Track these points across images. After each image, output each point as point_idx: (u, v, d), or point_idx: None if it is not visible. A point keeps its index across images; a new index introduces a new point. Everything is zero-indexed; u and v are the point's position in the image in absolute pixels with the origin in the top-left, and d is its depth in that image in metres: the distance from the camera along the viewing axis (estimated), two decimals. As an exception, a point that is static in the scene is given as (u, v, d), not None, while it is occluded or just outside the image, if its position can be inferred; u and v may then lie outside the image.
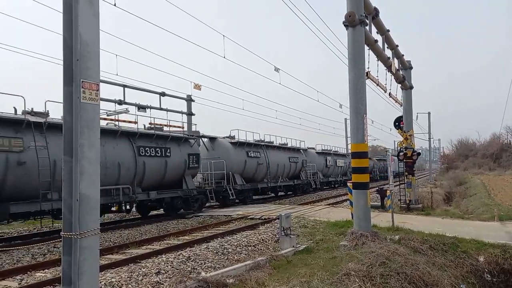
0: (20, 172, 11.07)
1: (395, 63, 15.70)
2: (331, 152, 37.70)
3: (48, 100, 12.30)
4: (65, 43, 4.13)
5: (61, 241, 4.21)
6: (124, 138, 14.78)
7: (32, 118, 11.54)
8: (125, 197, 14.41)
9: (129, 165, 14.62)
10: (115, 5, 11.17)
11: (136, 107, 17.80)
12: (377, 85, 13.06)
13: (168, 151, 16.50)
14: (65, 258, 4.11)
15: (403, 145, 17.67)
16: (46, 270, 8.21)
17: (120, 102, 17.12)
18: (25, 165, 11.12)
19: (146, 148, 15.42)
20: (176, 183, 17.33)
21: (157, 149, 15.89)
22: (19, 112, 11.68)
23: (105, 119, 15.37)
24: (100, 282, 6.42)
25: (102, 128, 12.75)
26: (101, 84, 4.39)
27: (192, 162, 17.80)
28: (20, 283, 7.35)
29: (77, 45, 4.05)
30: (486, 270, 8.72)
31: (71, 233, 4.06)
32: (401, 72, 17.09)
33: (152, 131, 16.36)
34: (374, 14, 11.89)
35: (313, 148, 34.53)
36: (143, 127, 16.84)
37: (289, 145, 28.74)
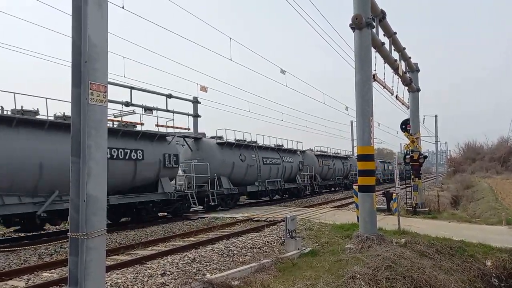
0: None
1: (402, 65, 15.64)
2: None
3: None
4: (74, 44, 4.16)
5: (67, 241, 4.24)
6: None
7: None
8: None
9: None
10: (123, 7, 11.28)
11: (143, 109, 17.91)
12: (384, 87, 13.02)
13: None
14: (72, 259, 4.14)
15: (410, 148, 17.58)
16: (53, 270, 8.26)
17: (127, 104, 17.25)
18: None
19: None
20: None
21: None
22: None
23: (112, 120, 15.48)
24: (106, 283, 6.46)
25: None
26: (108, 85, 4.42)
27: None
28: (27, 283, 7.40)
29: (85, 47, 4.08)
30: (494, 275, 8.63)
31: (78, 234, 4.09)
32: (408, 75, 17.02)
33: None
34: (381, 17, 11.87)
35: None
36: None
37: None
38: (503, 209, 18.17)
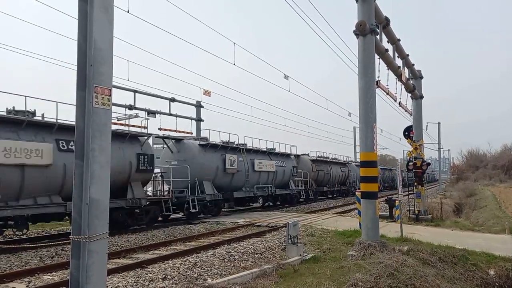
0: None
1: (406, 72, 15.64)
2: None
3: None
4: (79, 48, 4.19)
5: (69, 244, 4.23)
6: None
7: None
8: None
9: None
10: (128, 11, 11.35)
11: (146, 112, 17.98)
12: (387, 94, 13.01)
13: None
14: (73, 261, 4.14)
15: (413, 155, 17.53)
16: (54, 273, 8.25)
17: (131, 107, 17.32)
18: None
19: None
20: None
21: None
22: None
23: (115, 123, 15.52)
24: (107, 286, 6.43)
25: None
26: (112, 89, 4.44)
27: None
28: (28, 285, 7.40)
29: (91, 51, 4.11)
30: (497, 284, 8.55)
31: (80, 237, 4.09)
32: (411, 82, 17.01)
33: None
34: (385, 23, 11.90)
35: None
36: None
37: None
38: (507, 218, 18.04)
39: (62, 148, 12.03)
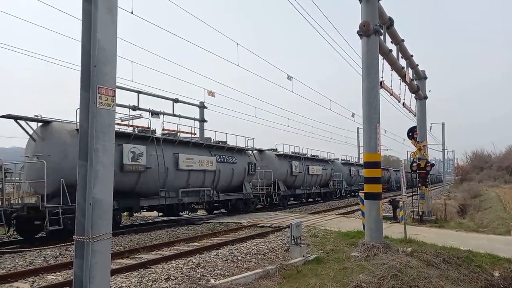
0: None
1: (410, 73, 15.57)
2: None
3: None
4: (83, 48, 4.21)
5: (73, 244, 4.25)
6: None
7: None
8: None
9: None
10: (132, 12, 11.39)
11: (150, 113, 18.01)
12: (391, 94, 12.97)
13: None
14: (77, 261, 4.15)
15: (417, 155, 17.46)
16: (58, 273, 8.29)
17: (134, 108, 17.35)
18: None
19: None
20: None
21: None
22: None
23: (118, 124, 15.55)
24: (111, 286, 6.45)
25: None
26: (116, 89, 4.45)
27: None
28: (32, 285, 7.43)
29: (95, 51, 4.12)
30: (502, 286, 8.48)
31: (83, 237, 4.10)
32: (415, 82, 16.95)
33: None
34: (388, 24, 11.86)
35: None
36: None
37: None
38: (511, 219, 17.93)
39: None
